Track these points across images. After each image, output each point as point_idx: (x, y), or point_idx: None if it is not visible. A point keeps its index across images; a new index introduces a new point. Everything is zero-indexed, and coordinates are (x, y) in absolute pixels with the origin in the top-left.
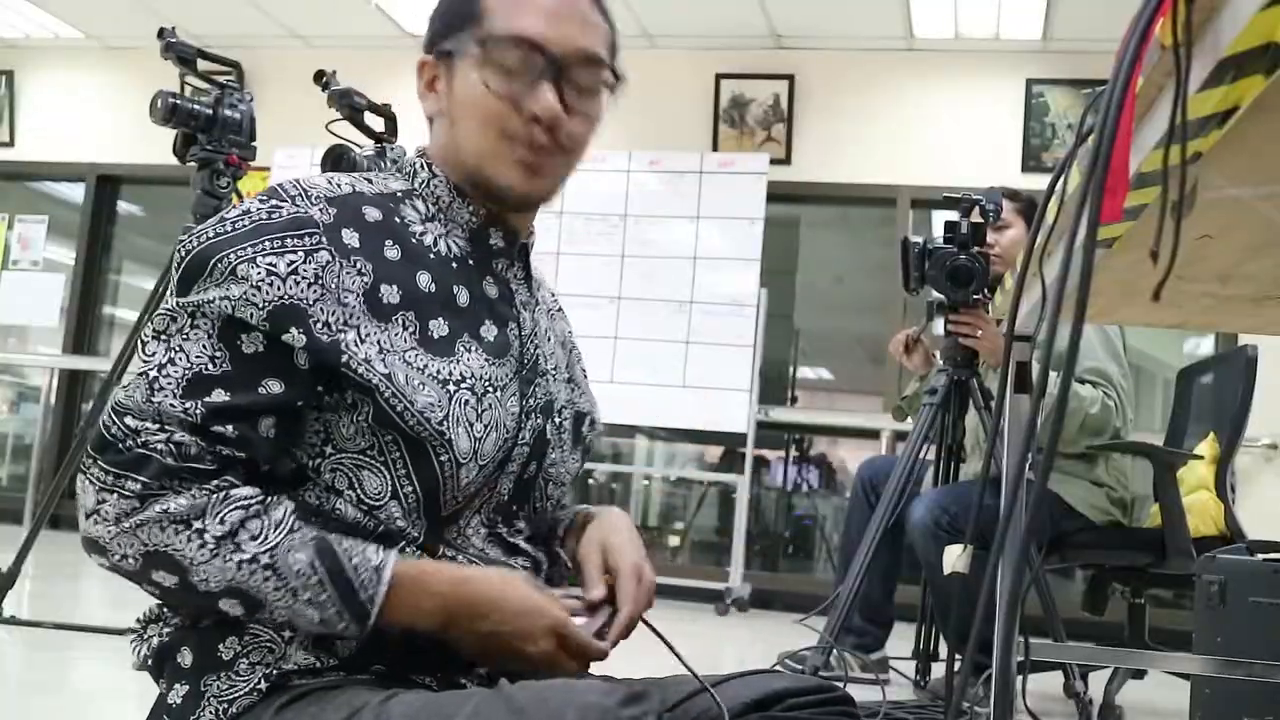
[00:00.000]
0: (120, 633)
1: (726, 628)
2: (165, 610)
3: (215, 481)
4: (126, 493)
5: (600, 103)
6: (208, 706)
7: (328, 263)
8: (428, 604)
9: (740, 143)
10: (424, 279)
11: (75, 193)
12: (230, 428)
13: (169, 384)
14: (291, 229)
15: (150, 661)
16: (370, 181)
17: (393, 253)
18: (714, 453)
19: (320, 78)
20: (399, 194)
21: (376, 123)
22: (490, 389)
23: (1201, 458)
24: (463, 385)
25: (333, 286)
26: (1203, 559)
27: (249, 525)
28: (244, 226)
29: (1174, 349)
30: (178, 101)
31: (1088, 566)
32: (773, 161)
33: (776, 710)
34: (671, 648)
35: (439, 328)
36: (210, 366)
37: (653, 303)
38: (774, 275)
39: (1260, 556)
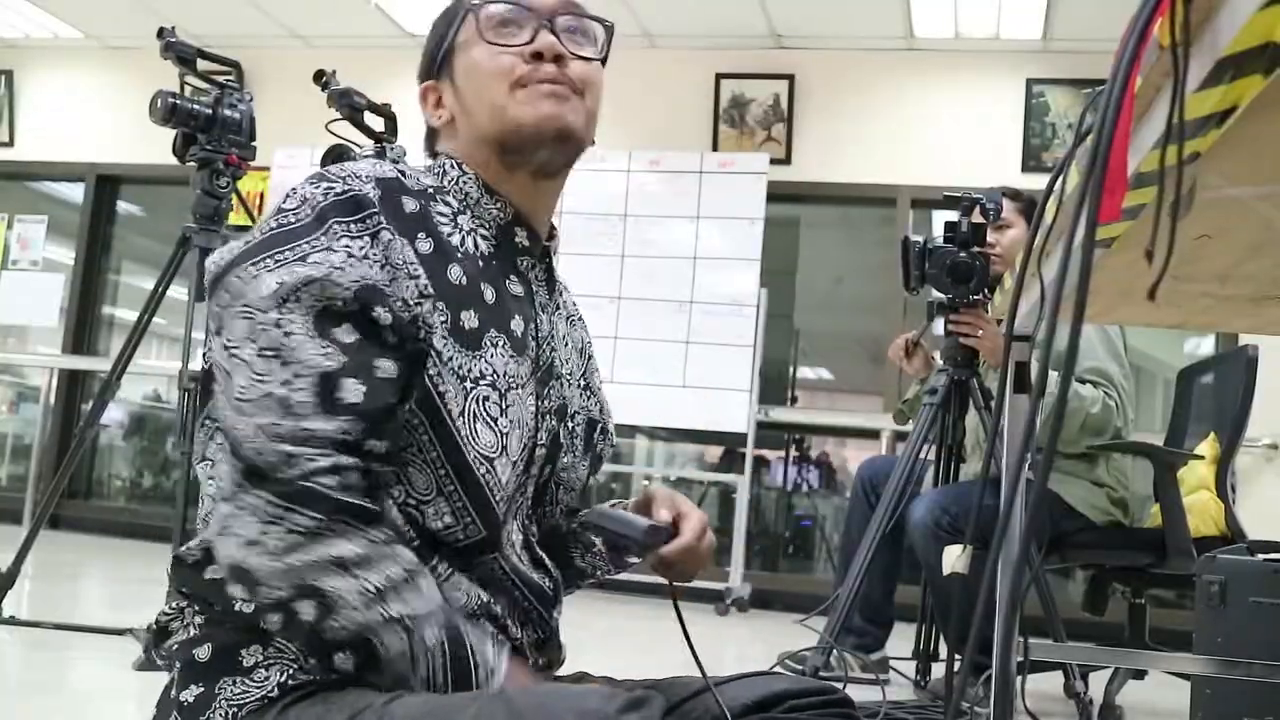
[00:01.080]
0: (120, 633)
1: (727, 628)
2: (186, 610)
3: (386, 531)
4: (297, 528)
5: (597, 46)
6: (219, 709)
7: (389, 240)
8: None
9: (740, 143)
10: (454, 272)
11: (75, 193)
12: (381, 444)
13: (305, 398)
14: (353, 211)
15: (167, 657)
16: (405, 175)
17: (425, 245)
18: (714, 453)
19: (320, 78)
20: (430, 189)
21: (376, 123)
22: (513, 385)
23: (1202, 458)
24: (482, 382)
25: (399, 263)
26: (1203, 559)
27: (405, 590)
28: (306, 216)
29: (1174, 349)
30: (177, 101)
31: (1088, 566)
32: (773, 161)
33: (777, 712)
34: (690, 642)
35: (469, 319)
36: (327, 362)
37: (653, 303)
38: (774, 275)
39: (1261, 557)
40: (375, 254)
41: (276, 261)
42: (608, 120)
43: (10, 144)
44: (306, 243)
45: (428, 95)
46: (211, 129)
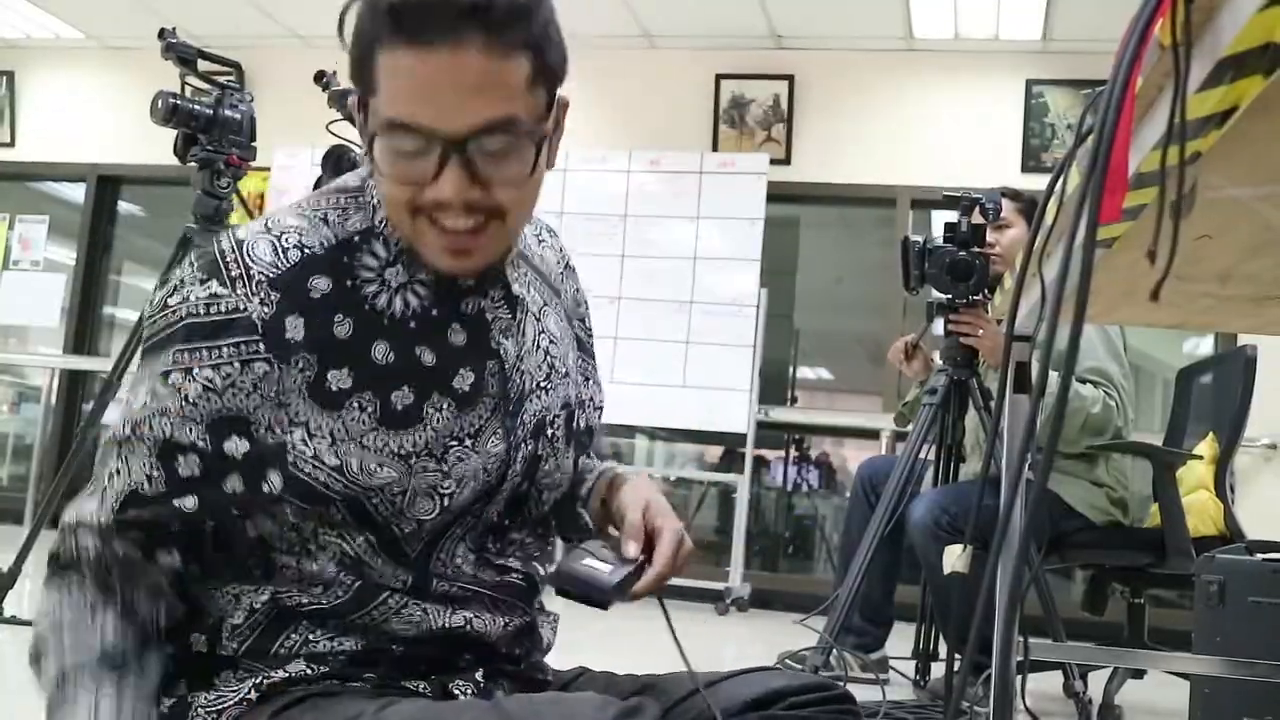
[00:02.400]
0: None
1: (726, 627)
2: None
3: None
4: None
5: (525, 155)
6: (196, 715)
7: (265, 373)
8: None
9: (740, 143)
10: (380, 350)
11: (76, 193)
12: (140, 532)
13: (109, 495)
14: (226, 335)
15: None
16: (327, 222)
17: (343, 329)
18: (714, 453)
19: (320, 78)
20: (357, 238)
21: None
22: (456, 441)
23: (1201, 458)
24: (423, 454)
25: (271, 394)
26: (1202, 559)
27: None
28: (178, 321)
29: (1174, 349)
30: (178, 102)
31: (1087, 566)
32: (773, 162)
33: (776, 709)
34: (679, 644)
35: (403, 397)
36: (146, 486)
37: (653, 303)
38: (774, 275)
39: (1259, 556)
40: (243, 382)
41: (149, 375)
42: (608, 120)
43: (11, 144)
44: (167, 365)
45: (358, 108)
46: (212, 129)
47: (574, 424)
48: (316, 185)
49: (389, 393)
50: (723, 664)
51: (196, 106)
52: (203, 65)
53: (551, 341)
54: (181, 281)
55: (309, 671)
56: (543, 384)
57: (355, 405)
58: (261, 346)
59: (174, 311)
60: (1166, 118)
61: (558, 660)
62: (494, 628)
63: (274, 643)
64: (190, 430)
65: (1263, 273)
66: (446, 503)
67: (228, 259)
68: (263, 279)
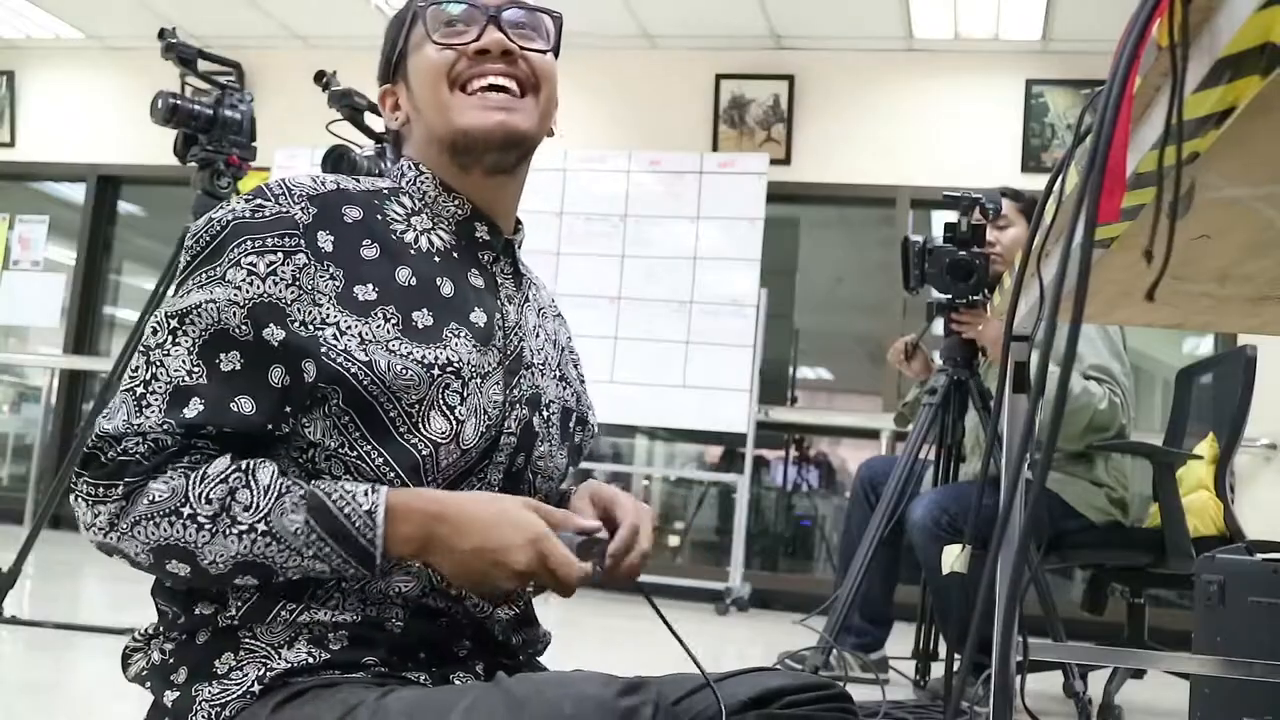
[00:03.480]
0: (121, 633)
1: (726, 627)
2: (162, 627)
3: (188, 459)
4: (114, 498)
5: (548, 39)
6: (200, 711)
7: (304, 265)
8: (406, 529)
9: (740, 143)
10: (403, 274)
11: (76, 193)
12: (206, 442)
13: (154, 399)
14: (273, 229)
15: (146, 675)
16: (358, 181)
17: (369, 252)
18: (714, 453)
19: (320, 78)
20: (385, 191)
21: (376, 123)
22: (475, 374)
23: (1201, 458)
24: (448, 370)
25: (309, 288)
26: (1202, 559)
27: (239, 496)
28: (219, 234)
29: (1173, 349)
30: (178, 102)
31: (1087, 566)
32: (772, 162)
33: (775, 707)
34: (676, 634)
35: (423, 318)
36: (187, 379)
37: (653, 303)
38: (774, 275)
39: (1260, 556)
40: (284, 271)
41: (193, 281)
42: (607, 120)
43: (12, 144)
44: (217, 266)
45: (385, 99)
46: (212, 129)
47: (569, 427)
48: None
49: (410, 310)
50: (723, 664)
51: (196, 106)
52: (203, 65)
53: (550, 342)
54: (222, 205)
55: (310, 660)
56: (540, 366)
57: (380, 315)
58: (302, 242)
59: (219, 221)
60: (1164, 118)
61: (556, 661)
62: (486, 604)
63: (275, 604)
64: (234, 314)
65: (1261, 272)
66: (457, 427)
67: (271, 185)
68: (302, 194)
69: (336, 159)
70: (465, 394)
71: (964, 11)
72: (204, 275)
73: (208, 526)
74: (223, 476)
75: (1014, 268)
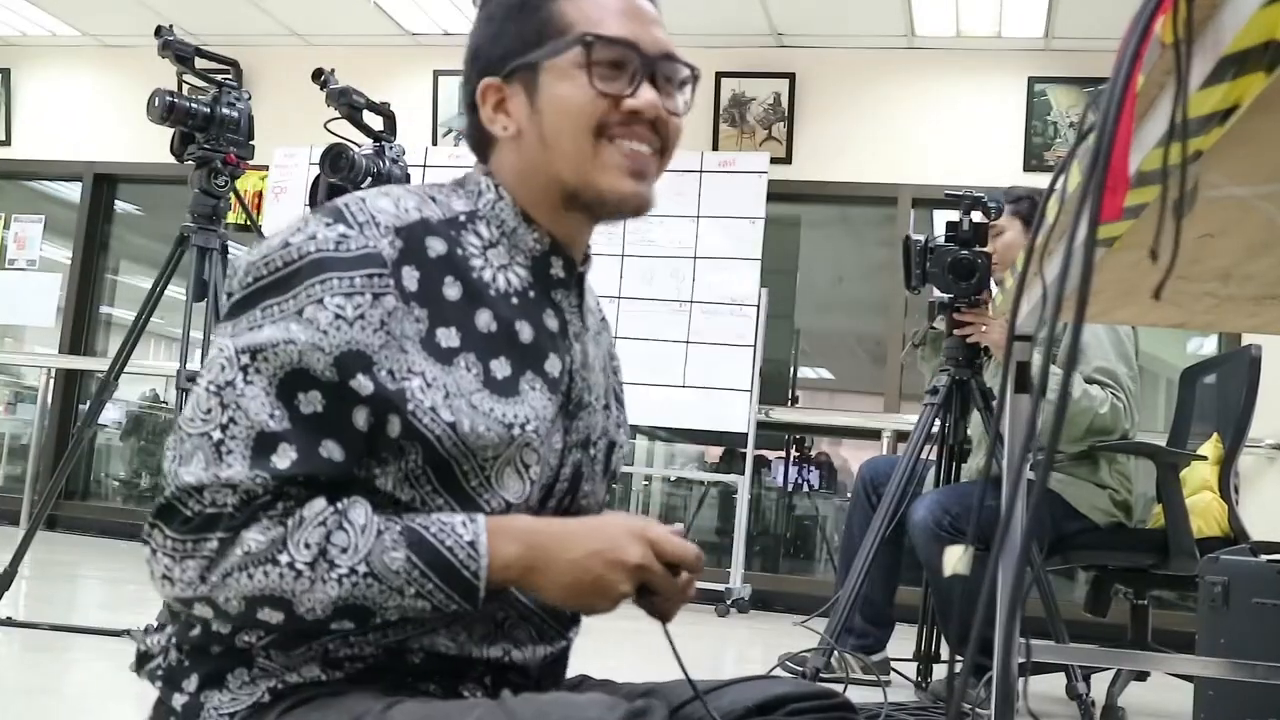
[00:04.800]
0: (118, 634)
1: (727, 629)
2: (174, 629)
3: (281, 505)
4: (204, 553)
5: (685, 93)
6: (207, 717)
7: (392, 309)
8: (510, 550)
9: (741, 142)
10: (483, 318)
11: (72, 192)
12: (297, 489)
13: (236, 445)
14: (360, 267)
15: (159, 675)
16: (434, 200)
17: (453, 291)
18: (714, 453)
19: (319, 76)
20: (462, 218)
21: (375, 121)
22: (546, 428)
23: (1205, 458)
24: (527, 428)
25: (397, 334)
26: (1206, 560)
27: (335, 539)
28: (304, 255)
29: (1177, 349)
30: (175, 100)
31: (1090, 567)
32: (773, 160)
33: (777, 715)
34: (676, 652)
35: (501, 368)
36: (271, 424)
37: (653, 303)
38: (774, 275)
39: (1264, 558)
40: (373, 315)
41: (264, 313)
42: None
43: (7, 143)
44: (293, 298)
45: (488, 95)
46: (209, 128)
47: (610, 459)
48: (314, 184)
49: (489, 359)
50: (723, 666)
51: (194, 105)
52: (200, 63)
53: (603, 370)
54: (298, 228)
55: (323, 678)
56: (593, 403)
57: (462, 364)
58: (390, 282)
59: (297, 249)
60: (1168, 116)
61: None
62: (532, 659)
63: (300, 643)
64: (319, 359)
65: (1265, 272)
66: (530, 489)
67: (352, 207)
68: (389, 225)
69: (335, 157)
70: (540, 452)
71: (966, 9)
72: (276, 308)
73: (306, 574)
74: (321, 519)
75: (1011, 271)
